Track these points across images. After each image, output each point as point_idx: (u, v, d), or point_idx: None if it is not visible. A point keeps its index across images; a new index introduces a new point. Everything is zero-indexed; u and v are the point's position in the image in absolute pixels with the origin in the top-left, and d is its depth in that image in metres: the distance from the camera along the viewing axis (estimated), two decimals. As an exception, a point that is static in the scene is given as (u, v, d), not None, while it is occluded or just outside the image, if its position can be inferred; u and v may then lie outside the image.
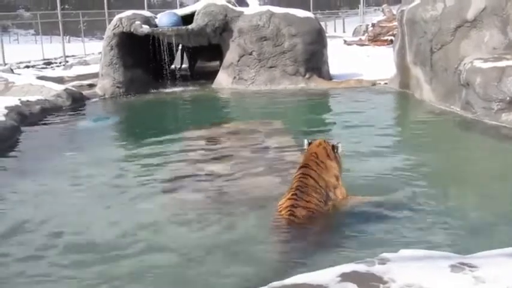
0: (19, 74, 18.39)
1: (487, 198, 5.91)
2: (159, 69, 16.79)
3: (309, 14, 17.10)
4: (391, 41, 21.23)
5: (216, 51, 17.22)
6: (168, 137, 9.74)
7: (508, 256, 3.10)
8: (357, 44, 27.16)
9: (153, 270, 4.50)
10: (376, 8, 49.65)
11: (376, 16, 34.40)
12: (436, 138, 9.18)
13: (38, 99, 12.62)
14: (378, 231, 5.10)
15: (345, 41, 28.50)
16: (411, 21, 12.81)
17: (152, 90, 16.13)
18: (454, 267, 2.93)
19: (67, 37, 36.43)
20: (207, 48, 17.09)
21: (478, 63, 9.98)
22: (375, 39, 26.57)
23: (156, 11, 19.35)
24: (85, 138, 10.08)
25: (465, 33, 10.97)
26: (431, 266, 3.00)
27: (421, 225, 5.19)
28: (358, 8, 47.15)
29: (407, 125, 10.92)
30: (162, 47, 16.05)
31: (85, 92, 15.17)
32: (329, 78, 16.51)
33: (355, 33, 32.85)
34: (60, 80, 17.28)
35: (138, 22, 15.51)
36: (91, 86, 16.46)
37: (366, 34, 28.46)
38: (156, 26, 16.13)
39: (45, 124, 11.36)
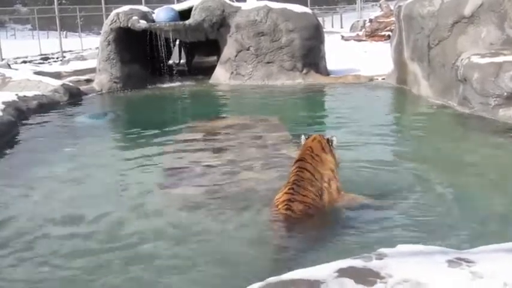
0: (16, 69, 18.35)
1: (484, 193, 5.92)
2: (157, 64, 16.77)
3: (306, 10, 17.11)
4: (389, 36, 21.17)
5: (213, 47, 17.19)
6: (165, 132, 9.74)
7: (505, 251, 3.10)
8: (355, 40, 27.11)
9: (150, 267, 4.50)
10: (374, 3, 49.55)
11: (373, 11, 34.33)
12: (433, 133, 9.19)
13: (35, 95, 12.59)
14: (375, 227, 5.11)
15: (343, 37, 28.44)
16: (408, 17, 12.81)
17: (149, 86, 16.11)
18: (451, 263, 2.93)
19: (64, 32, 36.39)
20: (205, 43, 17.07)
21: (476, 59, 9.98)
22: (373, 35, 26.51)
23: (154, 6, 19.30)
24: (82, 134, 10.06)
25: (462, 29, 10.97)
26: (428, 261, 3.00)
27: (418, 220, 5.20)
28: (355, 4, 47.11)
29: (405, 121, 10.92)
30: (159, 42, 16.02)
31: (82, 87, 15.14)
32: (326, 73, 16.50)
33: (353, 28, 32.78)
34: (57, 75, 17.26)
35: (135, 17, 15.49)
36: (88, 81, 16.43)
37: (364, 30, 28.38)
38: (153, 21, 16.11)
39: (42, 119, 11.33)
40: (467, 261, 2.94)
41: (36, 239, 5.17)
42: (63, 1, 48.55)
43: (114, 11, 16.06)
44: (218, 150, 8.22)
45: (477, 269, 2.83)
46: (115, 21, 15.57)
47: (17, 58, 24.53)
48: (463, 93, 10.16)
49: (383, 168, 6.91)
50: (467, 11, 10.83)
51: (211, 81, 16.45)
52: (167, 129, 10.03)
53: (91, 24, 46.87)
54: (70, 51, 27.76)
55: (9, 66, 19.84)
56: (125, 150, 8.73)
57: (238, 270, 4.37)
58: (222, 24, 15.94)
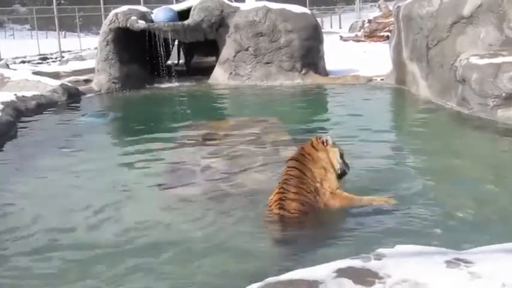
0: (15, 70, 18.35)
1: (482, 194, 5.92)
2: (155, 64, 16.77)
3: (305, 10, 17.12)
4: (388, 37, 21.21)
5: (212, 47, 17.20)
6: (164, 132, 9.76)
7: (504, 252, 3.11)
8: (353, 40, 27.13)
9: (148, 266, 4.50)
10: (373, 4, 49.57)
11: (372, 12, 34.38)
12: (432, 134, 9.19)
13: (34, 95, 12.59)
14: (374, 227, 5.10)
15: (341, 37, 28.46)
16: (407, 17, 12.81)
17: (148, 86, 16.13)
18: (449, 263, 2.93)
19: (63, 32, 36.39)
20: (204, 43, 17.07)
21: (474, 60, 9.98)
22: (371, 35, 26.54)
23: (152, 6, 19.31)
24: (81, 134, 10.05)
25: (461, 30, 10.98)
26: (427, 261, 3.00)
27: (417, 220, 5.19)
28: (354, 4, 47.15)
29: (403, 121, 10.93)
30: (158, 43, 16.02)
31: (81, 88, 15.14)
32: (325, 74, 16.51)
33: (352, 29, 32.81)
34: (56, 75, 17.26)
35: (134, 17, 15.50)
36: (87, 81, 16.42)
37: (362, 30, 28.42)
38: (152, 21, 16.12)
39: (41, 119, 11.33)
40: (466, 261, 2.95)
41: (34, 237, 5.17)
42: (62, 1, 48.58)
43: (113, 11, 16.06)
44: (217, 151, 8.22)
45: (475, 269, 2.84)
46: (114, 21, 15.58)
47: (16, 58, 24.54)
48: (461, 94, 10.17)
49: (381, 168, 6.91)
50: (466, 11, 10.83)
51: (210, 81, 16.46)
52: (166, 129, 10.04)
53: (90, 25, 46.92)
54: (69, 51, 27.78)
55: (7, 66, 19.84)
56: (124, 150, 8.72)
57: (237, 271, 4.37)
58: (220, 24, 15.95)
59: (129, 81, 15.78)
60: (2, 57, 23.08)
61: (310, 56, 16.03)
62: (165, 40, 16.29)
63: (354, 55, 20.91)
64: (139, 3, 23.34)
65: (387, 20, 25.30)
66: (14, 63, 22.64)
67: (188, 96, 14.94)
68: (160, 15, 16.28)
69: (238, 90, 15.13)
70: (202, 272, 4.39)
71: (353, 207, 5.50)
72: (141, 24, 15.47)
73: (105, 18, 17.00)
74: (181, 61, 19.30)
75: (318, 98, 13.91)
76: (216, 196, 6.15)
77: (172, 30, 15.90)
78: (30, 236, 5.25)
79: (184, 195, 6.26)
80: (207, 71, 17.03)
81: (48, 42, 29.91)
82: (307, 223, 5.19)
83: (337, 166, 5.65)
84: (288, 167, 5.56)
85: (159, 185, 6.66)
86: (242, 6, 16.40)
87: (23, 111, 11.42)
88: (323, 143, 5.67)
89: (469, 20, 10.82)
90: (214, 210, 5.69)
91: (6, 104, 10.91)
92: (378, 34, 26.26)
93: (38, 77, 14.78)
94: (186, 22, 15.70)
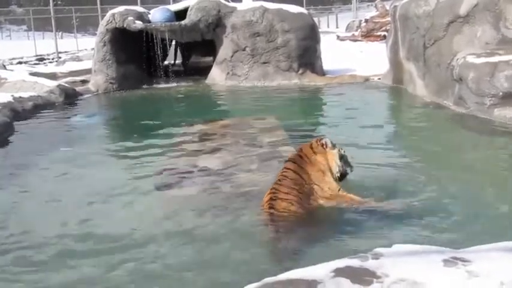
0: (12, 70, 18.36)
1: (480, 193, 5.93)
2: (153, 65, 16.77)
3: (302, 10, 17.14)
4: (384, 36, 21.22)
5: (209, 47, 17.21)
6: (161, 132, 9.75)
7: (501, 250, 3.11)
8: (350, 40, 27.14)
9: (146, 268, 4.49)
10: (369, 3, 49.59)
11: (369, 12, 34.38)
12: (429, 133, 9.19)
13: (31, 96, 12.58)
14: (371, 226, 5.11)
15: (338, 37, 28.48)
16: (404, 17, 12.83)
17: (145, 86, 16.15)
18: (447, 262, 2.93)
19: (60, 33, 36.35)
20: (201, 43, 17.09)
21: (471, 59, 9.99)
22: (368, 35, 26.55)
23: (149, 7, 19.29)
24: (78, 135, 10.06)
25: (458, 29, 10.99)
26: (424, 260, 3.00)
27: (414, 219, 5.20)
28: (351, 4, 47.14)
29: (401, 120, 10.95)
30: (155, 43, 16.03)
31: (78, 88, 15.15)
32: (322, 73, 16.53)
33: (348, 28, 32.80)
34: (53, 76, 17.27)
35: (131, 18, 15.51)
36: (84, 82, 16.44)
37: (359, 30, 28.43)
38: (149, 21, 16.13)
39: (38, 120, 11.32)
40: (463, 260, 2.95)
41: (28, 237, 5.17)
42: (59, 2, 48.52)
43: (110, 12, 16.08)
44: (215, 151, 8.21)
45: (473, 268, 2.84)
46: (111, 21, 15.59)
47: (13, 59, 24.52)
48: (458, 93, 10.18)
49: (378, 167, 6.91)
50: (463, 10, 10.85)
51: (207, 81, 16.47)
52: (163, 129, 10.03)
53: (87, 25, 46.85)
54: (66, 52, 27.75)
55: (4, 67, 19.82)
56: (121, 151, 8.72)
57: (235, 271, 4.36)
58: (217, 24, 15.96)
59: (126, 82, 15.79)
60: (-2, 58, 23.06)
61: (307, 56, 16.05)
62: (162, 40, 16.31)
63: (351, 55, 20.94)
64: (136, 4, 23.31)
65: (384, 20, 25.32)
66: (11, 64, 22.63)
67: (185, 96, 14.93)
68: (157, 15, 16.29)
69: (236, 90, 15.14)
70: (200, 272, 4.39)
71: (350, 207, 5.50)
72: (138, 24, 15.48)
73: (102, 18, 17.02)
74: (178, 61, 19.29)
75: (315, 98, 13.93)
76: (212, 196, 6.15)
77: (170, 31, 15.91)
78: (24, 235, 5.24)
79: (181, 196, 6.25)
80: (205, 71, 17.04)
81: (45, 42, 29.89)
82: (304, 222, 5.19)
83: (336, 169, 5.64)
84: (285, 168, 5.58)
85: (156, 185, 6.65)
86: (239, 6, 16.42)
87: (20, 112, 11.41)
88: (322, 145, 5.67)
89: (465, 19, 10.84)
90: (210, 211, 5.68)
91: (3, 105, 10.91)
92: (375, 34, 26.28)
93: (35, 78, 14.80)
94: (183, 22, 15.71)
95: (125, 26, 15.44)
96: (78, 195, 6.40)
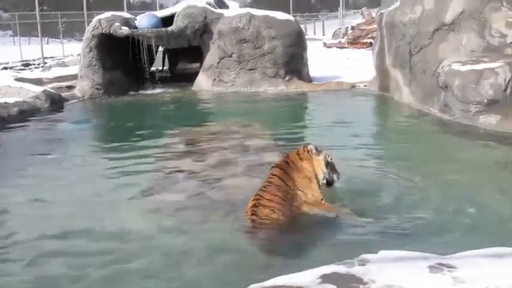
0: (-3, 76, 18.21)
1: (464, 199, 5.95)
2: (139, 71, 16.73)
3: (288, 17, 17.15)
4: (371, 43, 21.31)
5: (197, 53, 17.19)
6: (147, 138, 9.72)
7: (486, 257, 3.13)
8: (337, 47, 27.24)
9: (129, 273, 4.47)
10: (356, 10, 49.87)
11: (355, 19, 34.56)
12: (414, 140, 9.23)
13: (16, 101, 12.48)
14: (357, 233, 5.11)
15: (325, 44, 28.57)
16: (390, 24, 12.89)
17: (132, 92, 16.08)
18: (433, 268, 2.95)
19: (45, 38, 36.17)
20: (189, 50, 17.07)
21: (456, 66, 10.06)
22: (355, 42, 26.67)
23: (136, 13, 19.28)
24: (64, 140, 9.99)
25: (443, 36, 11.06)
26: (410, 266, 3.01)
27: (400, 226, 5.21)
28: (337, 11, 47.31)
29: (386, 127, 10.99)
30: (141, 49, 15.99)
31: (64, 94, 15.05)
32: (309, 80, 16.56)
33: (335, 35, 32.90)
34: (38, 82, 17.14)
35: (117, 23, 15.46)
36: (70, 87, 16.33)
37: (346, 37, 28.56)
38: (135, 27, 16.09)
39: (23, 126, 11.25)
40: (449, 266, 2.96)
41: (11, 245, 5.12)
42: (45, 7, 48.30)
43: (96, 18, 16.02)
44: (201, 157, 8.20)
45: (459, 274, 2.85)
46: (97, 27, 15.53)
47: (-2, 64, 24.35)
48: (444, 100, 10.24)
49: (363, 174, 6.93)
50: (448, 18, 10.92)
51: (193, 88, 16.44)
52: (149, 135, 10.00)
53: (73, 31, 46.65)
54: (51, 57, 27.57)
55: (-11, 72, 19.68)
56: (107, 157, 8.69)
57: (220, 277, 4.35)
58: (204, 30, 15.94)
59: (113, 88, 15.73)
60: (-17, 64, 22.91)
61: (294, 63, 16.07)
62: (149, 46, 16.28)
63: (337, 62, 21.01)
64: (122, 10, 23.29)
65: (370, 27, 25.46)
66: (-4, 69, 22.47)
67: (172, 102, 14.90)
68: (143, 21, 16.25)
69: (222, 96, 15.14)
70: (182, 279, 4.37)
71: (334, 215, 5.51)
72: (125, 30, 15.44)
73: (88, 24, 16.95)
74: (166, 67, 19.27)
75: (302, 104, 13.95)
76: (199, 202, 6.14)
77: (156, 37, 15.89)
78: (7, 244, 5.20)
79: (166, 201, 6.23)
80: (191, 77, 17.00)
81: (31, 48, 29.71)
82: (289, 229, 5.18)
83: (321, 176, 5.65)
84: (271, 174, 5.60)
85: (143, 191, 6.63)
86: (226, 12, 16.41)
87: (5, 118, 11.33)
88: (308, 152, 5.67)
89: (450, 27, 10.92)
90: (196, 217, 5.68)
91: (-12, 111, 10.82)
92: (361, 41, 26.40)
93: (21, 84, 14.68)
94: (169, 28, 15.69)
95: (111, 31, 15.39)
96: (61, 201, 6.37)
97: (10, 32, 51.73)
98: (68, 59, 25.39)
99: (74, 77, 17.02)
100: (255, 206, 5.29)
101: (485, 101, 9.39)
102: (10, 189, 6.93)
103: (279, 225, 5.16)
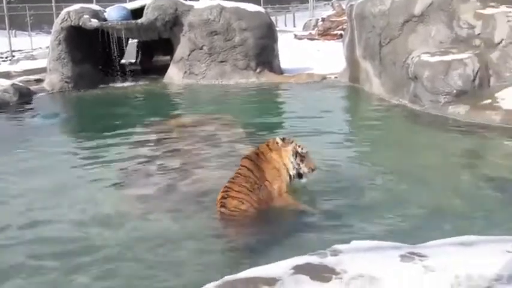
0: (-37, 70, 17.92)
1: (434, 188, 6.02)
2: (109, 64, 16.58)
3: (259, 9, 17.15)
4: (341, 35, 21.41)
5: (168, 46, 17.10)
6: (117, 132, 9.64)
7: (456, 245, 3.16)
8: (307, 39, 27.28)
9: (100, 265, 4.45)
10: (326, 2, 49.92)
11: (326, 10, 34.62)
12: (384, 131, 9.31)
13: (-16, 95, 12.32)
14: (329, 224, 5.15)
15: (296, 36, 28.58)
16: (360, 16, 12.96)
17: (102, 85, 15.95)
18: (404, 257, 2.97)
19: (13, 31, 35.61)
20: (162, 42, 16.97)
21: (426, 57, 10.16)
22: (325, 34, 26.74)
23: (105, 5, 19.05)
24: (34, 135, 9.86)
25: (413, 28, 11.16)
26: (382, 256, 3.04)
27: (371, 216, 5.26)
28: (308, 3, 47.36)
29: (357, 118, 11.05)
30: (111, 42, 15.84)
31: (32, 87, 14.89)
32: (280, 72, 16.58)
33: (306, 27, 32.94)
34: (6, 75, 16.90)
35: (86, 16, 15.29)
36: (38, 81, 16.13)
37: (316, 28, 28.59)
38: (105, 20, 15.93)
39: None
40: (420, 255, 2.99)
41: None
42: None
43: (65, 10, 15.81)
44: (172, 149, 8.18)
45: (429, 262, 2.88)
46: (66, 20, 15.34)
47: (-36, 58, 23.94)
48: (414, 91, 10.33)
49: (334, 165, 6.96)
50: (417, 10, 11.02)
51: (164, 80, 16.37)
52: (119, 129, 9.92)
53: (41, 23, 45.97)
54: (20, 50, 27.16)
55: (-44, 66, 19.35)
56: (78, 151, 8.60)
57: (194, 270, 4.35)
58: (175, 23, 15.86)
59: (82, 81, 15.57)
60: (-51, 57, 22.50)
61: (265, 55, 16.08)
62: (119, 39, 16.12)
63: (308, 53, 21.05)
64: (91, 2, 23.01)
65: (340, 19, 25.56)
66: (-37, 63, 22.09)
67: (142, 95, 14.81)
68: (113, 13, 16.11)
69: (193, 89, 15.09)
70: (156, 271, 4.36)
71: (309, 205, 5.54)
72: (94, 22, 15.28)
73: (57, 16, 16.72)
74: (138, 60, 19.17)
75: (273, 96, 13.96)
76: (169, 195, 6.13)
77: (126, 29, 15.75)
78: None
79: (138, 195, 6.21)
80: (163, 70, 16.93)
81: (-2, 41, 29.27)
82: (261, 221, 5.20)
83: (290, 166, 5.65)
84: (240, 165, 5.61)
85: (114, 185, 6.59)
86: (196, 4, 16.35)
87: (-27, 112, 11.17)
88: (277, 143, 5.68)
89: (420, 19, 11.02)
90: (168, 209, 5.67)
91: (-45, 105, 10.65)
92: (332, 32, 26.48)
93: (-12, 77, 14.47)
94: (139, 21, 15.58)
95: (80, 24, 15.22)
96: (34, 195, 6.30)
97: (-24, 25, 50.90)
98: (36, 52, 25.05)
99: (42, 70, 16.82)
100: (223, 197, 5.30)
101: (454, 91, 9.50)
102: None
103: (248, 217, 5.18)
